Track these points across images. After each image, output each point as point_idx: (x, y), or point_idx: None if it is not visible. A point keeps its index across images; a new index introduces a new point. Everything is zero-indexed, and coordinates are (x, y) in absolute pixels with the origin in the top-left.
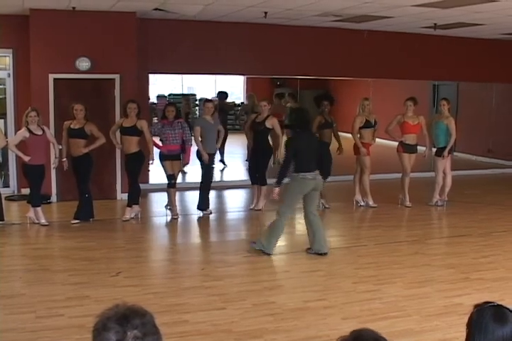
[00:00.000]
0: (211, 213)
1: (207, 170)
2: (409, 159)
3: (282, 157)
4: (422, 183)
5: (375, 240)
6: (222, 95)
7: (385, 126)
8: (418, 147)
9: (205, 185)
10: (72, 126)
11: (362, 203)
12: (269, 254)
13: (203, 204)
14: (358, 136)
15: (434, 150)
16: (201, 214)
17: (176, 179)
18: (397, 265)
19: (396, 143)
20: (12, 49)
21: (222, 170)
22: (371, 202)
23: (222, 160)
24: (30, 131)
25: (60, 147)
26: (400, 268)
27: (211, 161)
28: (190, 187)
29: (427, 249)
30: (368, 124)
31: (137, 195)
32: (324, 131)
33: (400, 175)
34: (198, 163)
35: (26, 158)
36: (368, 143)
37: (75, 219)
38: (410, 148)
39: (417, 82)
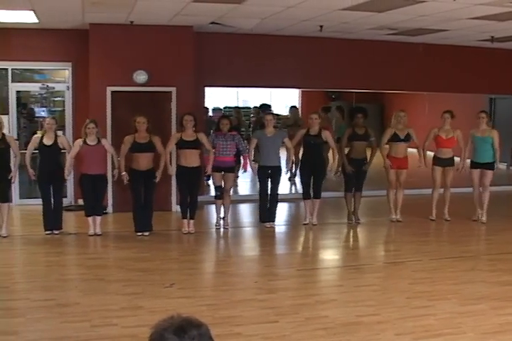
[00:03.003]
0: (272, 226)
1: (273, 182)
2: (440, 173)
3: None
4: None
5: (429, 255)
6: (265, 108)
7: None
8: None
9: (271, 196)
10: (138, 140)
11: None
12: None
13: (267, 217)
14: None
15: (469, 164)
16: (267, 226)
17: (228, 191)
18: (451, 281)
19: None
20: (71, 62)
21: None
22: (398, 216)
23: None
24: (84, 142)
25: (119, 158)
26: (455, 284)
27: (274, 174)
28: (243, 200)
29: (482, 265)
30: (396, 138)
31: (197, 208)
32: (354, 144)
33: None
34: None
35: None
36: (394, 157)
37: (146, 230)
38: (443, 162)
39: (473, 95)
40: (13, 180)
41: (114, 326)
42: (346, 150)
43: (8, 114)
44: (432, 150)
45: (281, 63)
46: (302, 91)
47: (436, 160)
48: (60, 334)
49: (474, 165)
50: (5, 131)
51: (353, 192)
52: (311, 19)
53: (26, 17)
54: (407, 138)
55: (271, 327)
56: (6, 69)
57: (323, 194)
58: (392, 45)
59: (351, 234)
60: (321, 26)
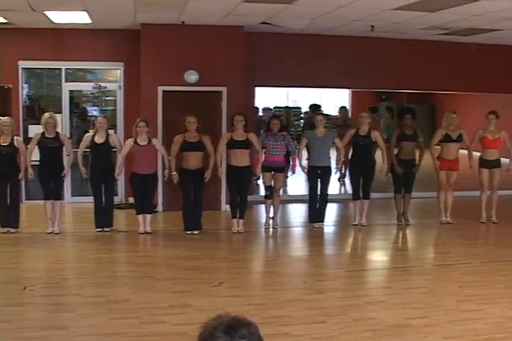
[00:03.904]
0: (322, 227)
1: (322, 182)
2: (488, 175)
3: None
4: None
5: (479, 258)
6: (315, 108)
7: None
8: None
9: (321, 196)
10: (188, 140)
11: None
12: None
13: (317, 217)
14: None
15: None
16: (316, 226)
17: (278, 191)
18: (502, 285)
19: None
20: (123, 62)
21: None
22: (448, 218)
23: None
24: (135, 141)
25: (169, 158)
26: (506, 288)
27: (324, 174)
28: (292, 200)
29: None
30: (448, 138)
31: (246, 207)
32: (403, 144)
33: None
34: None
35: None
36: (444, 158)
37: (195, 229)
38: (489, 163)
39: None
40: (65, 178)
41: (162, 323)
42: (395, 151)
43: (61, 113)
44: (477, 152)
45: (331, 63)
46: (352, 91)
47: (483, 162)
48: (109, 330)
49: None
50: (58, 129)
51: (403, 194)
52: (362, 19)
53: (79, 18)
54: (459, 139)
55: (319, 327)
56: (60, 69)
57: (373, 195)
58: (443, 45)
59: (400, 236)
60: (372, 26)
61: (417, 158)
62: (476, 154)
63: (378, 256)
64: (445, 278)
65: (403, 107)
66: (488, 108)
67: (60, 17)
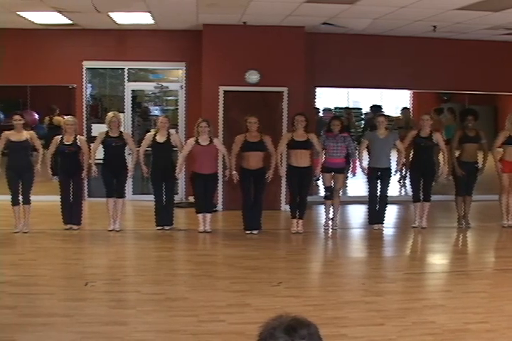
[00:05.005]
0: (381, 228)
1: (382, 183)
2: (507, 178)
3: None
4: None
5: None
6: (376, 109)
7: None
8: None
9: (380, 198)
10: (249, 140)
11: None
12: None
13: (376, 219)
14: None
15: None
16: (375, 228)
17: (338, 192)
18: None
19: None
20: (185, 62)
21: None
22: (510, 222)
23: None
24: (196, 141)
25: (230, 157)
26: None
27: (384, 176)
28: (352, 201)
29: None
30: (510, 140)
31: (306, 208)
32: (465, 146)
33: None
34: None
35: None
36: (507, 161)
37: (255, 229)
38: None
39: None
40: (129, 176)
41: (221, 322)
42: (457, 153)
43: (123, 112)
44: None
45: (392, 64)
46: (413, 92)
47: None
48: (168, 328)
49: None
50: (121, 128)
51: (464, 196)
52: (424, 19)
53: (143, 19)
54: None
55: (376, 329)
56: (123, 69)
57: (434, 197)
58: (507, 45)
59: (461, 239)
60: (435, 26)
61: (480, 160)
62: None
63: (438, 259)
64: (506, 283)
65: (465, 108)
66: None
67: (123, 18)
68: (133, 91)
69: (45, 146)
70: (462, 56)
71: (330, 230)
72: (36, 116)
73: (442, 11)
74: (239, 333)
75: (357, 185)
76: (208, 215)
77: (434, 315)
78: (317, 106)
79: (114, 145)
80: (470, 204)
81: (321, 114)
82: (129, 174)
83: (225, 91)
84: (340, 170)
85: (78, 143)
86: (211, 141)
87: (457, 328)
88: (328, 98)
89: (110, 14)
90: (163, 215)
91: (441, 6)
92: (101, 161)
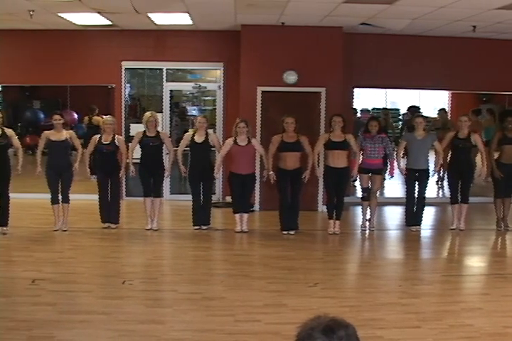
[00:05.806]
0: (418, 230)
1: (420, 184)
2: None
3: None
4: None
5: None
6: (414, 110)
7: None
8: None
9: (418, 199)
10: (285, 140)
11: None
12: None
13: (413, 220)
14: None
15: None
16: (413, 229)
17: (375, 193)
18: None
19: None
20: (223, 62)
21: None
22: None
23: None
24: (234, 141)
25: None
26: None
27: (422, 177)
28: (389, 202)
29: None
30: None
31: (343, 208)
32: (505, 148)
33: None
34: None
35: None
36: None
37: (292, 229)
38: None
39: None
40: (166, 176)
41: (257, 322)
42: (496, 155)
43: (161, 112)
44: None
45: (430, 64)
46: (452, 93)
47: None
48: (205, 327)
49: None
50: (158, 128)
51: (503, 198)
52: (464, 19)
53: (181, 19)
54: None
55: (413, 332)
56: (161, 69)
57: (472, 199)
58: None
59: (499, 241)
60: (474, 26)
61: None
62: None
63: (476, 262)
64: None
65: (505, 110)
66: None
67: (162, 19)
68: (171, 91)
69: (84, 146)
70: (502, 56)
71: (367, 231)
72: (76, 115)
73: (482, 11)
74: (275, 333)
75: (394, 186)
76: (245, 215)
77: (472, 318)
78: (355, 106)
79: (151, 145)
80: (509, 207)
81: (358, 115)
82: (166, 174)
83: (263, 92)
84: (378, 171)
85: (116, 142)
86: (249, 141)
87: (496, 332)
88: (365, 99)
89: (149, 15)
90: (201, 215)
91: (481, 5)
92: (138, 161)
